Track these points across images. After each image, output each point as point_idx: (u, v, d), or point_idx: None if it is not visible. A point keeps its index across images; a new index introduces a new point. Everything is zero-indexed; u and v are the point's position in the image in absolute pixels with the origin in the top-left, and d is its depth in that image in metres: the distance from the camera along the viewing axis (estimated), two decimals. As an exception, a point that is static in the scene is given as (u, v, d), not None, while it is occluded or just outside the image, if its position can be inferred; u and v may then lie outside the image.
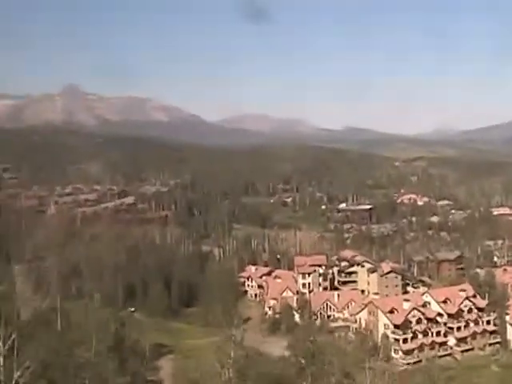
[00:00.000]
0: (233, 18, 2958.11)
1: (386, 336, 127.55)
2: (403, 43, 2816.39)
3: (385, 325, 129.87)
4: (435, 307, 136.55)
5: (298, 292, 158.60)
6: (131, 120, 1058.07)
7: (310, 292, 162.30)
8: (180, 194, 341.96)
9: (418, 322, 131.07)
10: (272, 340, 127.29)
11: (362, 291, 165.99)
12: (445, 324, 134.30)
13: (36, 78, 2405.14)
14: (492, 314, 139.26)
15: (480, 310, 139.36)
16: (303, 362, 62.35)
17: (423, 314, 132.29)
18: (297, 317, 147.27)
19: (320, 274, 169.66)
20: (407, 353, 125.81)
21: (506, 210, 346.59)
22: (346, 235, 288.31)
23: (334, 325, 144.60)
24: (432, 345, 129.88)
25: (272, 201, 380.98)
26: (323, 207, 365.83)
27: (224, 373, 58.64)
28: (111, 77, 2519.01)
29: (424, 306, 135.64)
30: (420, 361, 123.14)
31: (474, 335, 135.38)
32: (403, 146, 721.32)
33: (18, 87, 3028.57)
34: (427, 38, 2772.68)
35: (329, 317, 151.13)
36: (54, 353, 45.99)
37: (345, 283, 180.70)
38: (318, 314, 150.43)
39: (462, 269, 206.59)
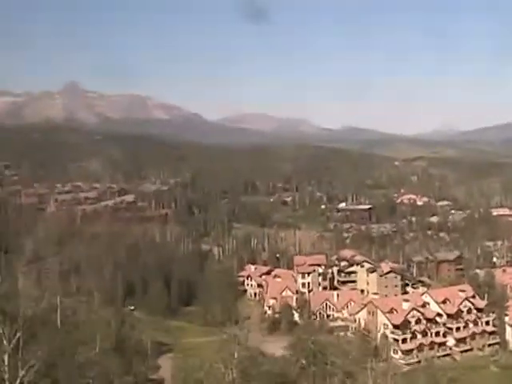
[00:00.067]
0: (233, 17, 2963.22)
1: (385, 336, 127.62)
2: (403, 43, 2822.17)
3: (384, 325, 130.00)
4: (434, 307, 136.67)
5: (297, 291, 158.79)
6: (132, 118, 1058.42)
7: (309, 291, 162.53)
8: (180, 192, 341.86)
9: (418, 322, 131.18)
10: (271, 339, 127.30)
11: (362, 291, 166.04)
12: (444, 324, 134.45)
13: (37, 75, 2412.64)
14: (491, 314, 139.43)
15: (479, 310, 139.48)
16: (304, 362, 62.37)
17: (422, 314, 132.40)
18: (296, 316, 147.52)
19: (319, 274, 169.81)
20: (406, 353, 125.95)
21: (506, 211, 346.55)
22: (346, 235, 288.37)
23: (333, 324, 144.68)
24: (431, 345, 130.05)
25: (272, 200, 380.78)
26: (323, 207, 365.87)
27: (228, 373, 58.66)
28: (112, 75, 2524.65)
29: (423, 306, 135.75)
30: (419, 361, 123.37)
31: (473, 336, 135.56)
32: (403, 146, 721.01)
33: (19, 85, 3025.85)
34: (427, 38, 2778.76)
35: (328, 316, 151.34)
36: (59, 352, 46.11)
37: (344, 283, 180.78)
38: (318, 313, 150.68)
39: (461, 269, 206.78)
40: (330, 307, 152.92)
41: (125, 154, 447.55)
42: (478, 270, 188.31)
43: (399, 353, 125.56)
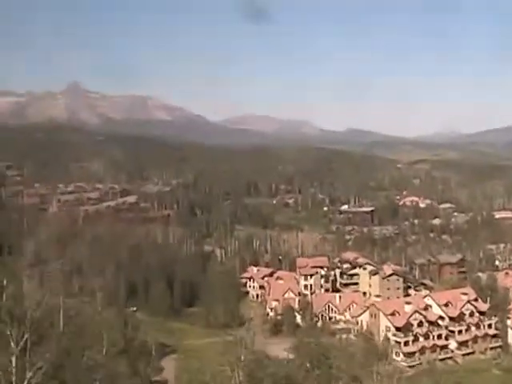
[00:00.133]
0: (234, 18, 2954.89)
1: (387, 338, 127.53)
2: (405, 43, 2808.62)
3: (386, 327, 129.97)
4: (437, 310, 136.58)
5: (299, 293, 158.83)
6: (134, 119, 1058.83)
7: (311, 293, 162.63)
8: (182, 193, 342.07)
9: (420, 324, 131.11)
10: (274, 341, 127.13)
11: (364, 293, 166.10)
12: (446, 327, 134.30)
13: (39, 76, 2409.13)
14: (493, 317, 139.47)
15: (481, 313, 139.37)
16: (308, 365, 62.32)
17: (425, 316, 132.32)
18: (298, 318, 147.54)
19: (322, 276, 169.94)
20: (408, 355, 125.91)
21: (508, 214, 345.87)
22: (348, 237, 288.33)
23: (335, 327, 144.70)
24: (433, 348, 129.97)
25: (274, 202, 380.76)
26: (325, 209, 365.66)
27: (235, 376, 58.58)
28: (114, 76, 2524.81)
29: (425, 309, 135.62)
30: (421, 364, 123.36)
31: (475, 339, 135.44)
32: (406, 148, 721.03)
33: (22, 85, 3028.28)
34: (428, 39, 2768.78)
35: (330, 319, 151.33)
36: (66, 353, 46.18)
37: (346, 285, 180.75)
38: (320, 315, 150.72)
39: (463, 272, 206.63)
40: (332, 309, 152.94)
41: (127, 155, 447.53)
42: (480, 273, 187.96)
43: (401, 355, 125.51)
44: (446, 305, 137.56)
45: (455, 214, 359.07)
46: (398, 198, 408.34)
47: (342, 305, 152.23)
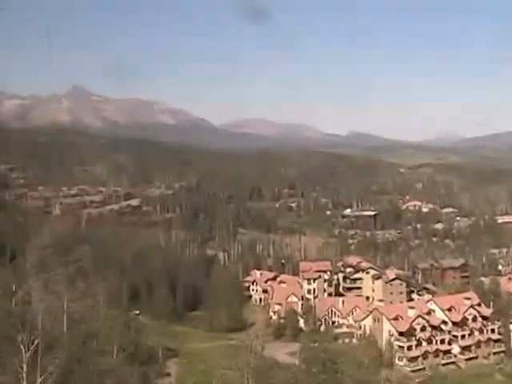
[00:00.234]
0: (235, 19, 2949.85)
1: (390, 343, 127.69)
2: (407, 44, 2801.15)
3: (389, 332, 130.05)
4: (440, 315, 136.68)
5: (302, 297, 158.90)
6: (137, 122, 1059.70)
7: (314, 298, 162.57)
8: (185, 197, 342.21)
9: (423, 329, 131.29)
10: (277, 345, 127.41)
11: (367, 298, 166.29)
12: (449, 332, 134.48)
13: (43, 78, 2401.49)
14: (496, 322, 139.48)
15: (484, 318, 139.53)
16: (314, 370, 62.50)
17: (428, 321, 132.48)
18: (301, 322, 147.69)
19: (325, 280, 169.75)
20: (411, 360, 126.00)
21: (511, 218, 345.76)
22: (351, 241, 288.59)
23: (338, 331, 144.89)
24: (436, 352, 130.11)
25: (277, 205, 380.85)
26: (328, 213, 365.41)
27: (244, 382, 58.71)
28: (117, 78, 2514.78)
29: (429, 313, 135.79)
30: (424, 368, 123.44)
31: (478, 344, 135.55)
32: (408, 152, 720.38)
33: (26, 88, 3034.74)
34: (429, 39, 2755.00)
35: (333, 323, 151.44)
36: (77, 359, 46.45)
37: (350, 289, 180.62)
38: (323, 319, 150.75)
39: (466, 277, 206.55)
40: (335, 313, 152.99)
41: (130, 158, 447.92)
42: (483, 278, 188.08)
43: (404, 360, 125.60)
44: (449, 309, 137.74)
45: (458, 218, 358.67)
46: (401, 202, 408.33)
47: (345, 309, 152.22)
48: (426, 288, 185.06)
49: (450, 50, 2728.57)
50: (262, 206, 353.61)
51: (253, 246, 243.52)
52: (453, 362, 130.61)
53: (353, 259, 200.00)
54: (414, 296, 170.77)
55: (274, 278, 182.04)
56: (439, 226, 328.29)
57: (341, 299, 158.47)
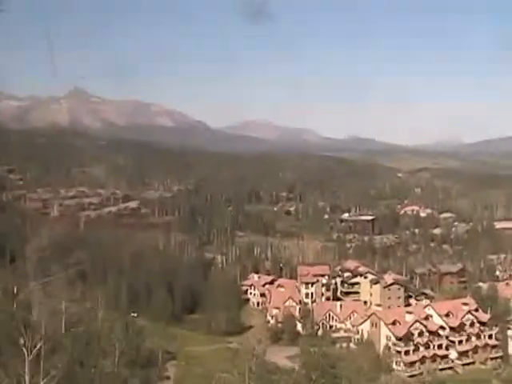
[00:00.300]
0: (235, 19, 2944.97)
1: (387, 348, 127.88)
2: (407, 44, 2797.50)
3: (387, 336, 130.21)
4: (437, 320, 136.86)
5: (300, 301, 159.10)
6: (136, 124, 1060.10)
7: (312, 302, 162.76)
8: (184, 199, 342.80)
9: (420, 334, 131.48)
10: (274, 349, 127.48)
11: (365, 302, 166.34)
12: (447, 337, 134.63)
13: (41, 80, 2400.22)
14: (494, 328, 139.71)
15: (482, 323, 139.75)
16: (313, 375, 62.56)
17: (425, 326, 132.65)
18: (299, 326, 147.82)
19: (323, 284, 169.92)
20: (409, 365, 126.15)
21: (509, 224, 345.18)
22: (349, 245, 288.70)
23: (335, 335, 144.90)
24: (433, 357, 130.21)
25: (275, 209, 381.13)
26: (326, 217, 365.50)
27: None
28: (115, 79, 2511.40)
29: (426, 318, 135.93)
30: (421, 373, 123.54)
31: (475, 349, 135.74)
32: (407, 156, 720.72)
33: (24, 89, 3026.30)
34: (431, 40, 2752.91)
35: (331, 327, 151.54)
36: (79, 362, 46.59)
37: (347, 294, 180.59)
38: (321, 324, 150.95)
39: (464, 282, 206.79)
40: (333, 318, 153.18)
41: (129, 160, 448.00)
42: (481, 283, 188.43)
43: (402, 365, 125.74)
44: (447, 315, 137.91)
45: (456, 223, 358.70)
46: (399, 206, 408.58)
47: (343, 313, 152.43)
48: (423, 293, 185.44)
49: (450, 50, 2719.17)
50: (261, 210, 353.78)
51: (251, 249, 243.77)
52: (450, 368, 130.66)
53: (351, 264, 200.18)
54: (412, 301, 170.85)
55: (272, 282, 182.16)
56: (437, 231, 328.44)
57: (339, 304, 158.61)
